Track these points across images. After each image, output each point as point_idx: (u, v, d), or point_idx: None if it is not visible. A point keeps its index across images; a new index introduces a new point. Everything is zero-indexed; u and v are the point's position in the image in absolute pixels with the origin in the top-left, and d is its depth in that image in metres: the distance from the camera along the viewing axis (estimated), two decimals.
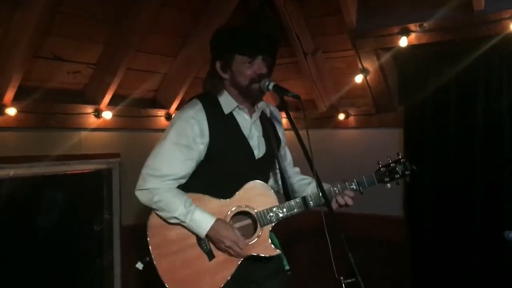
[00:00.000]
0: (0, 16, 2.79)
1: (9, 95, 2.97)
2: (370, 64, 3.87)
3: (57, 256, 3.41)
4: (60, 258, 3.42)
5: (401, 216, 4.05)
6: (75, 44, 3.26)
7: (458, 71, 3.64)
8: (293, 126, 2.06)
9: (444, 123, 3.75)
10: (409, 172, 2.30)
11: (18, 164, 3.12)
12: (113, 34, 3.36)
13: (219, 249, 2.10)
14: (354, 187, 2.24)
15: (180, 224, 2.09)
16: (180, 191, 2.13)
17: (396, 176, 2.28)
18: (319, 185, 1.94)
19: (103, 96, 3.50)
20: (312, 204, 2.18)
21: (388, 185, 2.29)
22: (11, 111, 3.00)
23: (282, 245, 2.26)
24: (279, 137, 2.37)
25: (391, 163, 2.29)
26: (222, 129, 2.15)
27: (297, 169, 2.50)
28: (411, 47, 3.58)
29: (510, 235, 2.62)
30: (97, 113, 3.51)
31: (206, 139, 2.11)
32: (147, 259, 2.11)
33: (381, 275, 4.02)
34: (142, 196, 2.12)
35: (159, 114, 4.01)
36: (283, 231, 2.29)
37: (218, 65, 2.17)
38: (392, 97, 4.09)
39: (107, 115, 3.56)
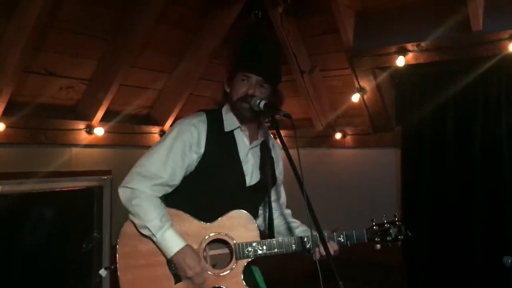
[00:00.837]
0: None
1: None
2: (367, 83, 3.83)
3: (44, 275, 3.32)
4: (48, 277, 3.33)
5: None
6: (68, 59, 3.22)
7: (456, 91, 3.61)
8: (283, 145, 2.00)
9: (442, 143, 3.70)
10: (402, 237, 2.17)
11: (6, 181, 3.06)
12: (108, 49, 3.33)
13: (180, 276, 2.01)
14: (342, 240, 2.14)
15: (151, 238, 1.99)
16: (162, 204, 2.06)
17: (388, 238, 2.16)
18: (310, 210, 1.85)
19: (95, 112, 3.46)
20: (294, 248, 2.07)
21: (378, 245, 2.17)
22: (0, 127, 2.95)
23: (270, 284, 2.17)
24: (275, 174, 2.29)
25: (386, 223, 2.17)
26: (219, 145, 2.09)
27: (289, 211, 2.39)
28: (408, 66, 3.55)
29: (509, 261, 2.53)
30: (89, 129, 3.46)
31: (201, 149, 2.06)
32: (112, 267, 2.01)
33: None
34: (123, 193, 2.02)
35: (153, 131, 3.96)
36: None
37: (225, 78, 2.17)
38: (389, 116, 4.04)
39: (99, 131, 3.51)
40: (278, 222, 2.32)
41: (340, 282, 1.56)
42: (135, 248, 2.01)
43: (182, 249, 1.96)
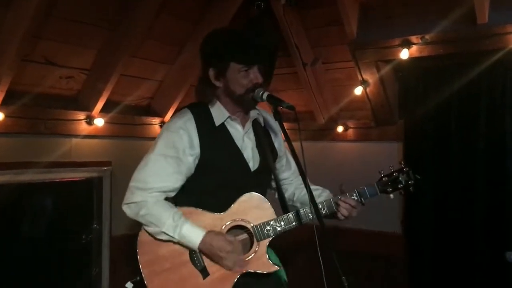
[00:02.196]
0: None
1: None
2: (370, 76, 3.79)
3: (43, 267, 3.30)
4: (47, 268, 3.32)
5: (398, 233, 3.95)
6: (69, 48, 3.18)
7: (460, 85, 3.56)
8: (287, 138, 1.97)
9: (445, 137, 3.66)
10: (412, 181, 2.20)
11: (5, 171, 3.02)
12: (108, 39, 3.28)
13: (214, 262, 1.98)
14: (355, 198, 2.14)
15: (171, 241, 1.98)
16: (170, 203, 2.04)
17: (399, 186, 2.18)
18: (311, 198, 1.84)
19: (95, 103, 3.42)
20: (311, 217, 2.05)
21: (391, 195, 2.18)
22: None
23: (281, 257, 2.16)
24: (274, 148, 2.26)
25: (394, 172, 2.19)
26: (214, 140, 2.05)
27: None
28: (412, 59, 3.50)
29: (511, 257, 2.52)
30: (89, 120, 3.43)
31: (196, 150, 2.02)
32: (138, 278, 1.99)
33: None
34: (128, 210, 2.02)
35: (153, 122, 3.93)
36: (281, 243, 2.18)
37: (211, 73, 2.06)
38: (392, 110, 4.01)
39: (99, 122, 3.47)
40: (298, 194, 2.31)
41: (343, 277, 1.53)
42: (156, 254, 2.00)
43: (204, 237, 1.95)
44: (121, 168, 3.57)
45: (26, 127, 3.12)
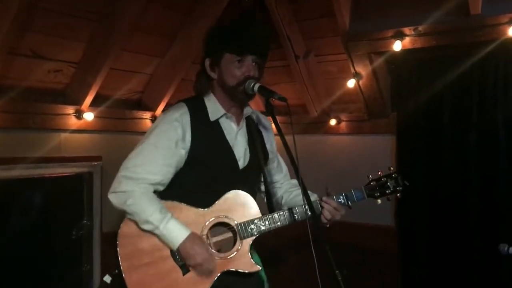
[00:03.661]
0: None
1: None
2: (362, 69, 3.76)
3: (32, 264, 3.26)
4: (36, 265, 3.27)
5: (391, 226, 3.94)
6: (56, 41, 3.12)
7: (453, 77, 3.54)
8: (279, 131, 1.95)
9: (438, 130, 3.64)
10: (401, 188, 2.17)
11: None
12: (97, 31, 3.23)
13: (188, 265, 1.96)
14: (342, 201, 2.12)
15: (153, 232, 1.95)
16: (157, 198, 2.00)
17: (387, 191, 2.16)
18: (305, 195, 1.81)
19: (84, 97, 3.36)
20: (297, 217, 2.05)
21: (379, 200, 2.16)
22: None
23: (265, 256, 2.13)
24: (266, 148, 2.24)
25: (382, 177, 2.16)
26: (205, 135, 2.03)
27: (294, 181, 2.33)
28: (405, 51, 3.48)
29: (505, 249, 2.50)
30: (78, 114, 3.38)
31: (188, 144, 2.00)
32: (116, 271, 1.96)
33: (371, 285, 3.92)
34: (115, 198, 1.99)
35: (144, 116, 3.88)
36: (268, 240, 2.16)
37: (207, 63, 2.07)
38: (384, 102, 3.99)
39: (89, 116, 3.42)
40: (286, 197, 2.28)
41: (337, 271, 1.51)
42: (136, 247, 1.97)
43: (188, 237, 1.93)
44: (112, 163, 3.49)
45: (14, 122, 3.06)
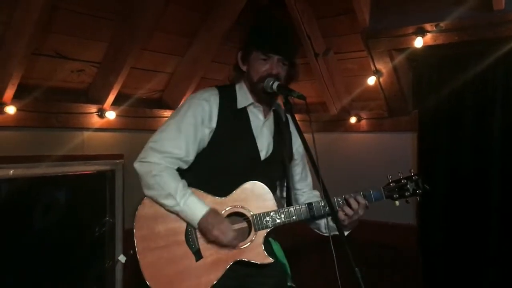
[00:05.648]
0: (1, 12, 2.71)
1: (9, 93, 2.90)
2: (383, 66, 3.73)
3: (56, 260, 3.32)
4: (59, 262, 3.34)
5: (412, 224, 3.90)
6: (79, 41, 3.18)
7: (475, 73, 3.49)
8: (298, 129, 1.96)
9: (459, 128, 3.59)
10: (420, 191, 2.14)
11: (17, 164, 3.04)
12: (118, 31, 3.27)
13: (208, 241, 1.98)
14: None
15: (172, 209, 1.97)
16: (178, 174, 2.04)
17: (406, 193, 2.13)
18: (324, 191, 1.81)
19: (106, 96, 3.42)
20: (314, 212, 2.05)
21: (397, 202, 2.13)
22: (11, 110, 2.93)
23: (288, 257, 2.13)
24: (292, 148, 2.24)
25: (402, 179, 2.14)
26: (231, 120, 2.08)
27: (317, 193, 2.31)
28: (426, 48, 3.43)
29: None
30: (101, 113, 3.43)
31: (213, 124, 2.05)
32: (131, 252, 2.00)
33: (391, 284, 3.89)
34: (141, 167, 2.03)
35: (164, 115, 3.92)
36: (289, 240, 2.17)
37: (239, 55, 2.15)
38: (405, 100, 3.94)
39: (111, 115, 3.47)
40: (304, 200, 2.27)
41: (356, 269, 1.51)
42: (153, 230, 2.00)
43: (207, 212, 1.95)
44: (133, 161, 3.55)
45: (38, 121, 3.13)
